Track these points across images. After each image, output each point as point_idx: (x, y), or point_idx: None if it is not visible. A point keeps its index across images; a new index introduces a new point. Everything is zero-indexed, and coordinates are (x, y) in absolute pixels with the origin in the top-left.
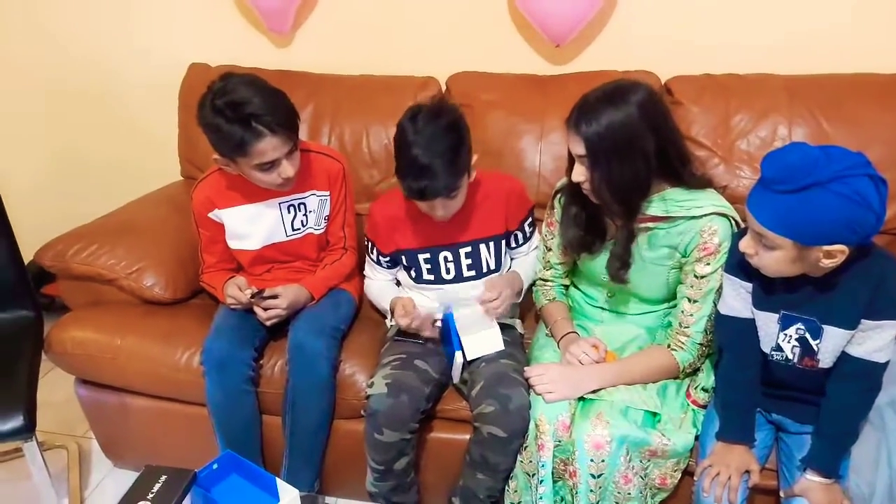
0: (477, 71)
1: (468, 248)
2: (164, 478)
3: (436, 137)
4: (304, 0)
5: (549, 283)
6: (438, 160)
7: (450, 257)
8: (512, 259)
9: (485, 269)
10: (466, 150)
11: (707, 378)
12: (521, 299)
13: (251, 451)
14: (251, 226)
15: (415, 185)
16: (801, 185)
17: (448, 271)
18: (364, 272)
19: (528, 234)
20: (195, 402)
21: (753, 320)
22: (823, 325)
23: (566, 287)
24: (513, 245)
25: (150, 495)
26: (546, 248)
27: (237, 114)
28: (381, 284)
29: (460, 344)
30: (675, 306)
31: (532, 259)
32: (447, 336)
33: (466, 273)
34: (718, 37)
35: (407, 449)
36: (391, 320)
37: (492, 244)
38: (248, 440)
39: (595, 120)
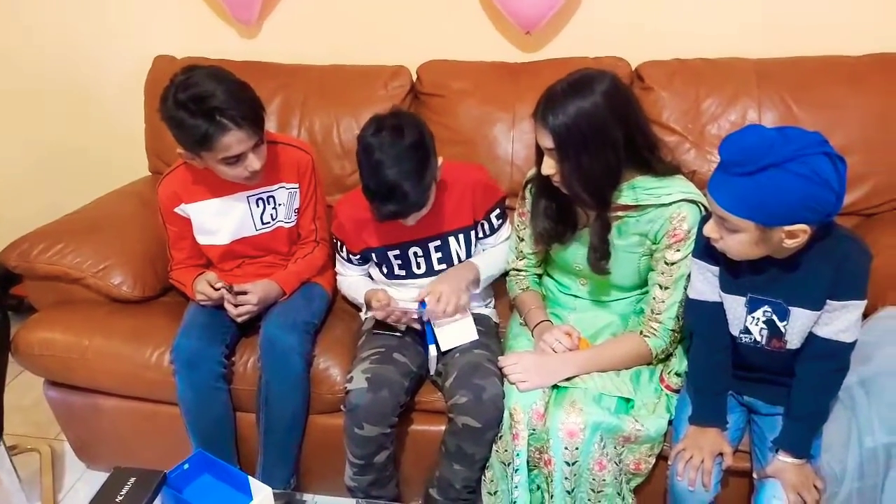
0: (448, 59)
1: (437, 242)
2: (132, 480)
3: (402, 158)
4: None
5: (522, 273)
6: (407, 182)
7: (420, 252)
8: (483, 250)
9: (455, 261)
10: (433, 163)
11: (680, 363)
12: (479, 289)
13: (225, 450)
14: (219, 220)
15: (385, 209)
16: (759, 166)
17: (419, 266)
18: (335, 268)
19: (495, 226)
20: (167, 402)
21: (721, 304)
22: (790, 307)
23: (539, 276)
24: (480, 236)
25: (119, 498)
26: (518, 237)
27: (201, 107)
28: (353, 279)
29: (434, 337)
30: (647, 292)
31: (500, 251)
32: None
33: (437, 266)
34: (688, 22)
35: (387, 443)
36: (366, 313)
37: (461, 236)
38: (221, 438)
39: (562, 111)
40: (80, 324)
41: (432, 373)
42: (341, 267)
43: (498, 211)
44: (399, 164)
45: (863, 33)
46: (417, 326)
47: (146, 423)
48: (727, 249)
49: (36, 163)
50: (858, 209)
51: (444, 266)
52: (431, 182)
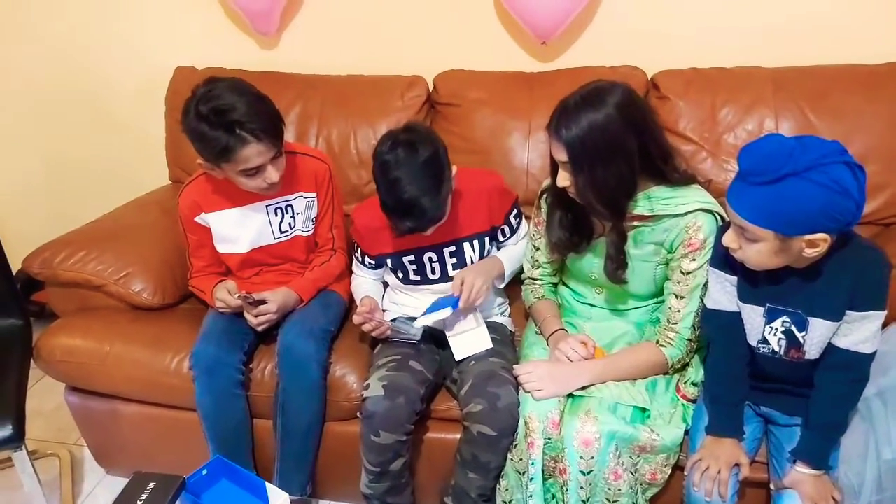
0: (464, 69)
1: (452, 248)
2: (152, 485)
3: (418, 175)
4: (290, 1)
5: (538, 282)
6: (425, 198)
7: (434, 258)
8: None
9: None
10: (448, 175)
11: (696, 372)
12: (503, 284)
13: (242, 456)
14: (238, 229)
15: (403, 225)
16: (778, 175)
17: (433, 271)
18: (353, 268)
19: (514, 226)
20: (186, 408)
21: (739, 314)
22: (809, 318)
23: (555, 285)
24: (500, 239)
25: (139, 502)
26: (534, 247)
27: (221, 120)
28: (361, 281)
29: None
30: (663, 302)
31: (521, 247)
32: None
33: (452, 272)
34: (704, 31)
35: (403, 450)
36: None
37: (476, 242)
38: (239, 444)
39: (575, 124)
40: (100, 330)
41: (457, 359)
42: (357, 268)
43: (515, 211)
44: (416, 181)
45: (880, 41)
46: (399, 337)
47: (165, 428)
48: (746, 259)
49: (56, 173)
50: (877, 218)
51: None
52: (448, 194)
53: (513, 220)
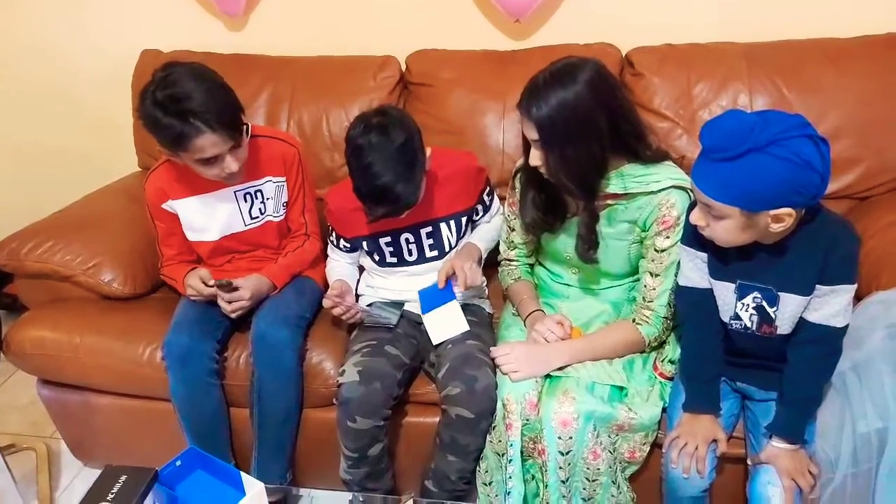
0: (436, 48)
1: (429, 228)
2: (124, 478)
3: (391, 160)
4: None
5: (513, 263)
6: (399, 184)
7: (411, 238)
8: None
9: (447, 248)
10: (422, 159)
11: (673, 350)
12: (481, 265)
13: (219, 445)
14: (207, 217)
15: (377, 211)
16: (740, 151)
17: (410, 253)
18: (327, 252)
19: (487, 204)
20: (161, 398)
21: (711, 290)
22: (779, 293)
23: (531, 266)
24: (475, 218)
25: (111, 496)
26: (509, 227)
27: (176, 108)
28: (335, 265)
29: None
30: (638, 280)
31: (494, 224)
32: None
33: (429, 253)
34: (678, 7)
35: (380, 435)
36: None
37: (452, 222)
38: (215, 434)
39: (545, 102)
40: (71, 321)
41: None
42: (331, 252)
43: (487, 189)
44: (389, 168)
45: (852, 15)
46: (376, 322)
47: (140, 419)
48: (714, 236)
49: (22, 163)
50: (852, 192)
51: (435, 252)
52: (422, 179)
53: (486, 199)
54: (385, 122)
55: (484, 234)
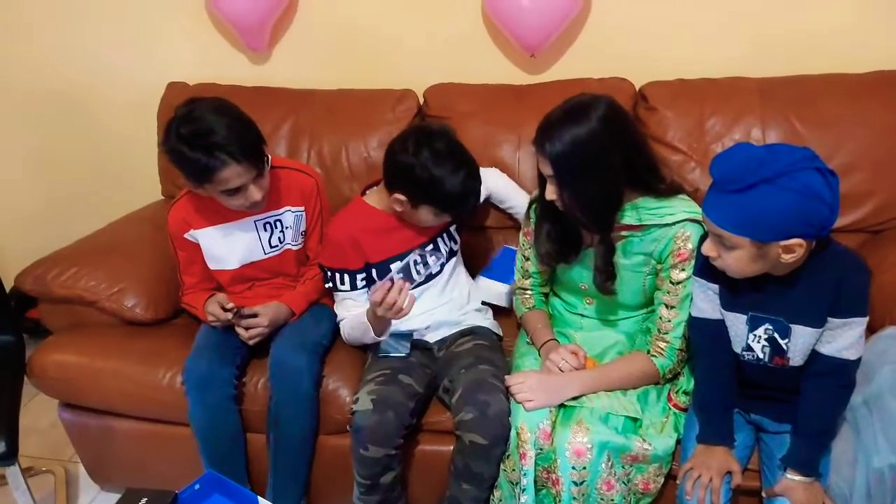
0: (454, 82)
1: (430, 246)
2: (144, 500)
3: (458, 156)
4: (281, 17)
5: (528, 292)
6: (474, 165)
7: (418, 259)
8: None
9: (447, 257)
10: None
11: (688, 381)
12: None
13: (236, 470)
14: (228, 246)
15: (465, 206)
16: (750, 182)
17: (419, 273)
18: (337, 317)
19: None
20: (179, 423)
21: (723, 321)
22: (791, 324)
23: (546, 295)
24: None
25: None
26: (524, 256)
27: (201, 143)
28: (352, 317)
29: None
30: (653, 311)
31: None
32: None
33: (435, 270)
34: (691, 42)
35: (393, 464)
36: (377, 334)
37: (444, 234)
38: (232, 459)
39: (559, 139)
40: (93, 346)
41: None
42: (339, 307)
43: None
44: (464, 164)
45: (866, 50)
46: (389, 354)
47: (159, 444)
48: (726, 267)
49: (49, 190)
50: (865, 226)
51: (438, 268)
52: None
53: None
54: (430, 130)
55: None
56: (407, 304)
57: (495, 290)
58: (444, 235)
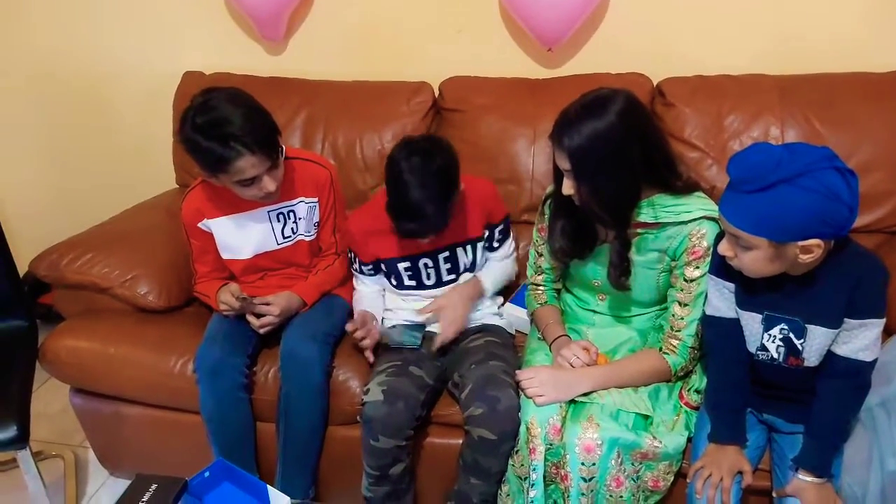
0: (470, 75)
1: (446, 253)
2: (154, 486)
3: (428, 182)
4: (297, 7)
5: (540, 288)
6: (431, 205)
7: (430, 263)
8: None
9: (462, 270)
10: (455, 191)
11: (700, 380)
12: (482, 298)
13: (245, 458)
14: (241, 236)
15: (406, 227)
16: (768, 182)
17: (429, 277)
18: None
19: (498, 239)
20: (190, 410)
21: (738, 320)
22: (807, 325)
23: (558, 291)
24: (488, 247)
25: (142, 503)
26: (537, 252)
27: (216, 132)
28: (362, 294)
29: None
30: (666, 308)
31: (506, 265)
32: None
33: (447, 277)
34: (710, 38)
35: (402, 455)
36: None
37: (468, 247)
38: (242, 447)
39: (577, 133)
40: (106, 332)
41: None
42: (357, 282)
43: (503, 227)
44: (425, 188)
45: (887, 50)
46: (400, 344)
47: (169, 431)
48: (742, 267)
49: (64, 176)
50: (883, 226)
51: (452, 276)
52: (452, 208)
53: (497, 234)
54: (429, 148)
55: (494, 272)
56: (369, 344)
57: (523, 318)
58: (468, 248)
